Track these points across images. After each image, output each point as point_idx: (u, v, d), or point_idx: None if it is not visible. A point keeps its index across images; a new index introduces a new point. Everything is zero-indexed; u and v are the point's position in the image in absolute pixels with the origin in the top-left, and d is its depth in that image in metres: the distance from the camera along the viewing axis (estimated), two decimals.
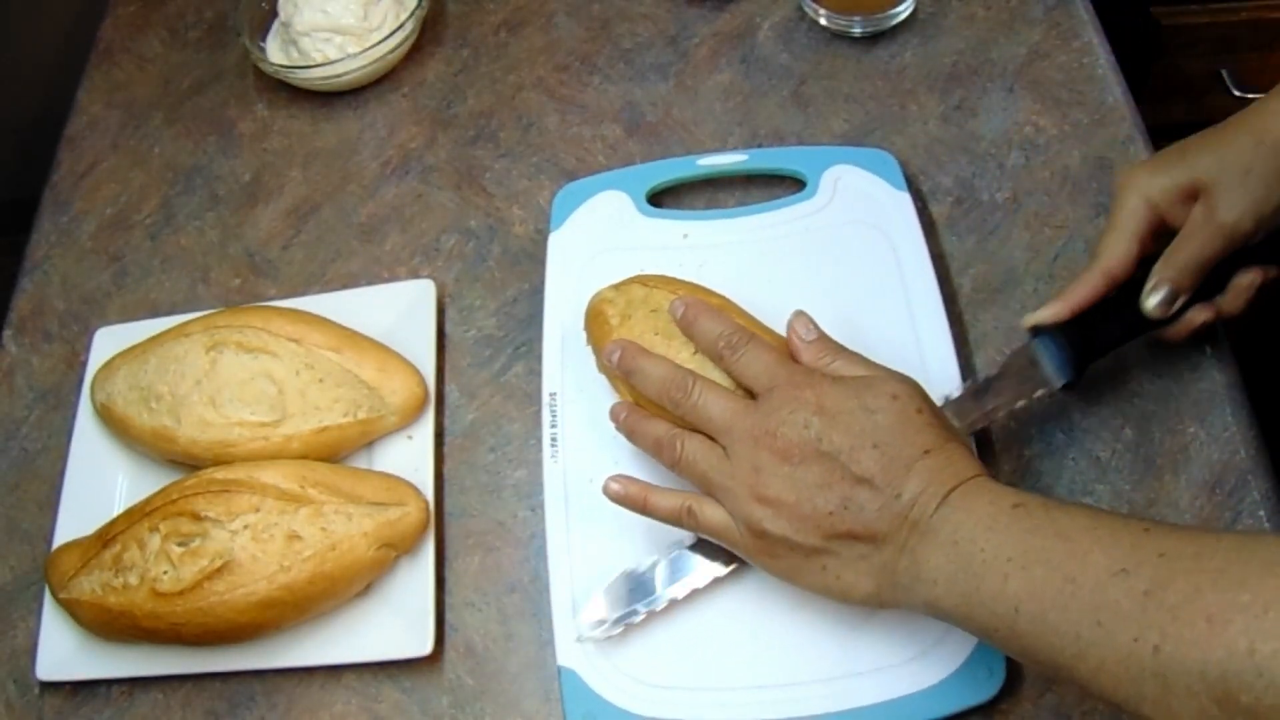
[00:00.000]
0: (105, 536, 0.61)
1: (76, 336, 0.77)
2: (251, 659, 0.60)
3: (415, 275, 0.74)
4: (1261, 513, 0.57)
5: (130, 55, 0.92)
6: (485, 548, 0.63)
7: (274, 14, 0.85)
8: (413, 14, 0.82)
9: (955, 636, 0.54)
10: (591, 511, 0.61)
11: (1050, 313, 0.57)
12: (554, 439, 0.63)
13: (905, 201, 0.67)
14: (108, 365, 0.69)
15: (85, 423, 0.70)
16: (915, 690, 0.53)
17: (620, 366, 0.57)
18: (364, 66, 0.81)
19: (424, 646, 0.59)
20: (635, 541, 0.60)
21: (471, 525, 0.64)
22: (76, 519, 0.66)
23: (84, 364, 0.73)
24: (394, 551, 0.61)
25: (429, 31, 0.86)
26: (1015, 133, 0.72)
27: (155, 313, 0.76)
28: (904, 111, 0.74)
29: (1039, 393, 0.58)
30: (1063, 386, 0.57)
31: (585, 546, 0.60)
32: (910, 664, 0.54)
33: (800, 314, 0.56)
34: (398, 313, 0.70)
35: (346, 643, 0.60)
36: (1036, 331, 0.58)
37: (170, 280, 0.78)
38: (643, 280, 0.62)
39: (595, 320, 0.62)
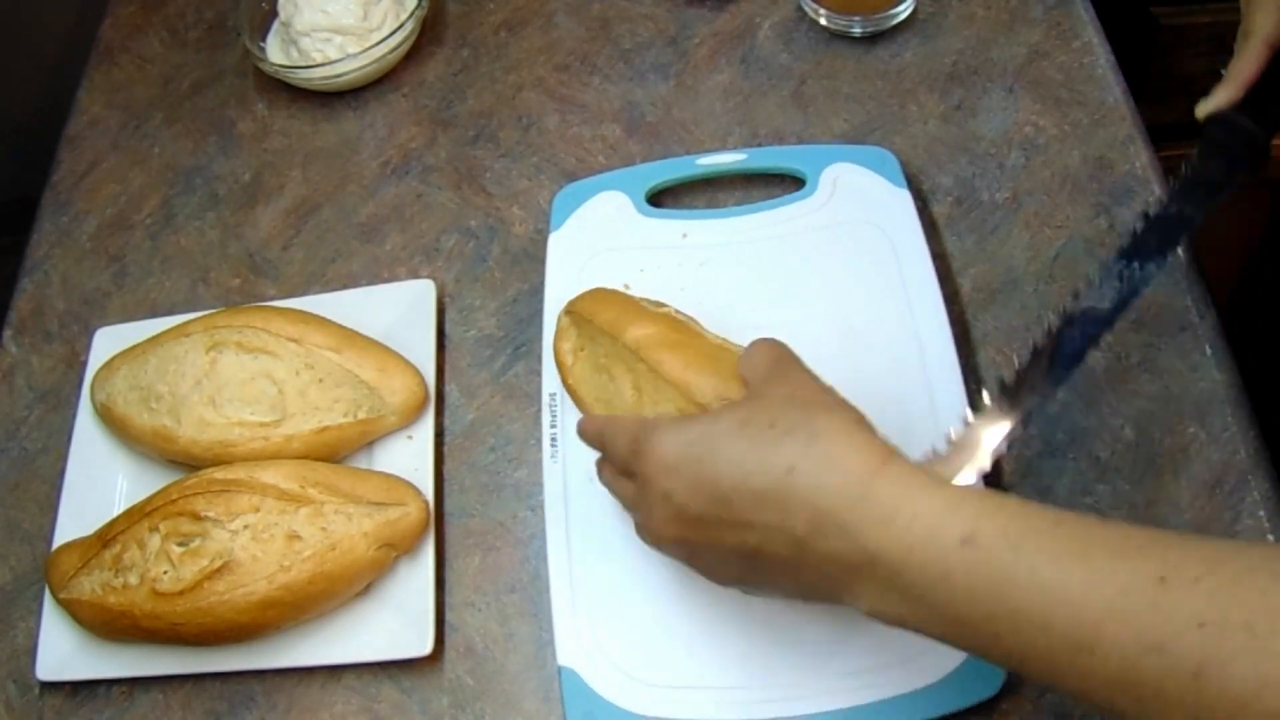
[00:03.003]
0: (105, 536, 0.61)
1: (76, 336, 0.77)
2: (251, 659, 0.60)
3: (415, 275, 0.74)
4: (1261, 513, 0.57)
5: (130, 55, 0.92)
6: (485, 548, 0.63)
7: (274, 14, 0.85)
8: (413, 14, 0.82)
9: None
10: (591, 511, 0.61)
11: (1225, 95, 0.53)
12: (554, 439, 0.63)
13: (905, 199, 0.67)
14: (108, 365, 0.69)
15: (85, 423, 0.70)
16: (915, 689, 0.53)
17: (584, 438, 0.56)
18: (364, 66, 0.81)
19: (424, 646, 0.58)
20: (636, 541, 0.60)
21: (471, 525, 0.64)
22: (76, 519, 0.66)
23: (84, 364, 0.73)
24: (394, 551, 0.61)
25: (429, 31, 0.86)
26: (1015, 133, 0.72)
27: (155, 313, 0.76)
28: (904, 111, 0.74)
29: (1240, 176, 0.54)
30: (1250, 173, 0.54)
31: (585, 546, 0.60)
32: (910, 663, 0.54)
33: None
34: (398, 313, 0.70)
35: (346, 643, 0.60)
36: (1210, 122, 0.54)
37: (170, 280, 0.78)
38: (587, 314, 0.60)
39: (557, 353, 0.62)
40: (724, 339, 0.57)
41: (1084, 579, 0.37)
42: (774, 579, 0.46)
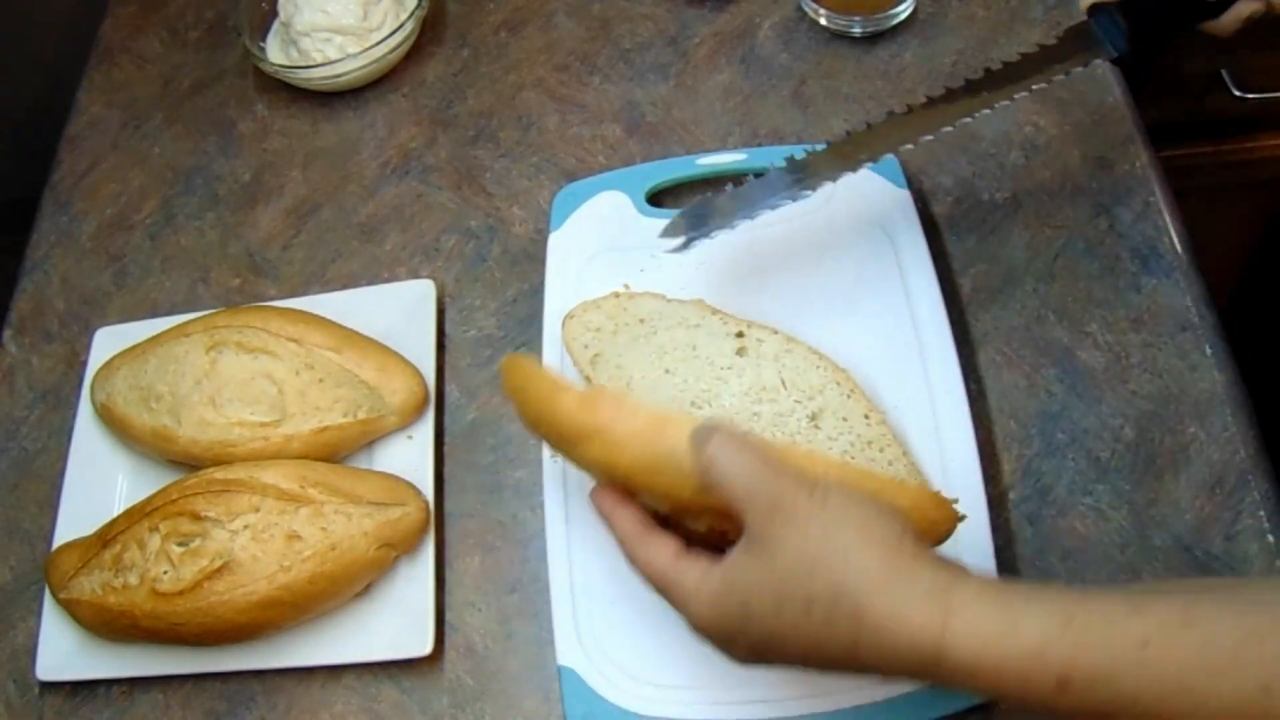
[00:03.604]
0: (105, 536, 0.61)
1: (76, 336, 0.77)
2: (251, 659, 0.60)
3: (415, 275, 0.74)
4: (1261, 513, 0.57)
5: (130, 55, 0.92)
6: (485, 548, 0.63)
7: (274, 14, 0.85)
8: (413, 14, 0.82)
9: None
10: (591, 511, 0.60)
11: None
12: None
13: (905, 199, 0.67)
14: (108, 365, 0.69)
15: (85, 423, 0.70)
16: (915, 689, 0.53)
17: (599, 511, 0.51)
18: (364, 66, 0.81)
19: (424, 646, 0.58)
20: None
21: (471, 525, 0.64)
22: (76, 519, 0.66)
23: (84, 364, 0.73)
24: (394, 551, 0.61)
25: (429, 31, 0.86)
26: (1015, 133, 0.72)
27: (155, 313, 0.76)
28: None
29: (1093, 61, 0.58)
30: (1115, 59, 0.58)
31: (585, 546, 0.60)
32: None
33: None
34: (398, 313, 0.70)
35: (346, 643, 0.60)
36: (1094, 10, 0.58)
37: (170, 280, 0.78)
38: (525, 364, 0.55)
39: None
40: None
41: (1189, 703, 0.37)
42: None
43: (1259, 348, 0.91)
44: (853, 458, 0.57)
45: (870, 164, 0.60)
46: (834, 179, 0.60)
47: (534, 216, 0.75)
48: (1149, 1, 0.58)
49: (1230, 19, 0.57)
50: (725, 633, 0.45)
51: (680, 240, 0.61)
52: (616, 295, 0.65)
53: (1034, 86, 0.59)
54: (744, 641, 0.44)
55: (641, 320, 0.62)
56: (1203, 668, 0.37)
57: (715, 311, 0.62)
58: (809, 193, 0.60)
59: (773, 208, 0.60)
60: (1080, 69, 0.59)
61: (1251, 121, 1.08)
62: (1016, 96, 0.59)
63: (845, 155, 0.60)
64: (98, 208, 0.83)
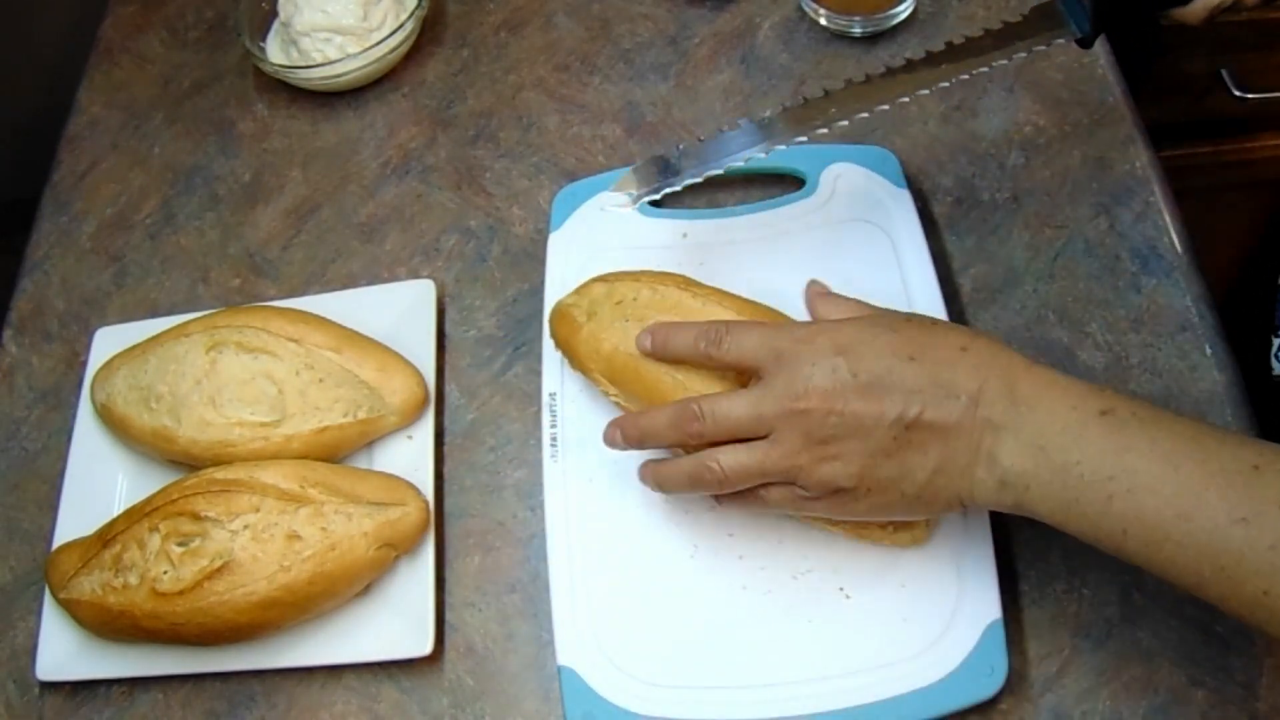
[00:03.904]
0: (105, 536, 0.61)
1: (76, 336, 0.77)
2: (251, 659, 0.60)
3: (415, 275, 0.74)
4: None
5: (130, 55, 0.92)
6: (485, 548, 0.63)
7: (274, 14, 0.85)
8: (413, 14, 0.82)
9: (956, 635, 0.54)
10: (591, 511, 0.61)
11: None
12: (554, 439, 0.63)
13: (905, 199, 0.67)
14: (108, 365, 0.69)
15: (85, 423, 0.70)
16: (915, 689, 0.53)
17: (654, 346, 0.56)
18: (364, 66, 0.81)
19: (424, 646, 0.59)
20: (636, 540, 0.60)
21: (471, 525, 0.64)
22: (76, 519, 0.66)
23: (84, 364, 0.73)
24: (394, 551, 0.61)
25: (429, 31, 0.86)
26: (1015, 133, 0.72)
27: (155, 313, 0.76)
28: (904, 111, 0.74)
29: (1057, 40, 0.58)
30: (1079, 40, 0.58)
31: (585, 546, 0.60)
32: (911, 662, 0.54)
33: (814, 280, 0.59)
34: (398, 313, 0.70)
35: (346, 643, 0.60)
36: None
37: (170, 280, 0.78)
38: (602, 278, 0.62)
39: (561, 322, 0.62)
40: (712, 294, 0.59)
41: (1193, 453, 0.44)
42: (907, 459, 0.49)
43: (1259, 348, 0.91)
44: None
45: (824, 129, 0.60)
46: (788, 143, 0.60)
47: (534, 216, 0.75)
48: None
49: (1199, 7, 0.57)
50: (868, 340, 0.50)
51: (630, 196, 0.61)
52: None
53: (995, 63, 0.59)
54: (885, 342, 0.50)
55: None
56: (1216, 436, 0.45)
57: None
58: (761, 155, 0.60)
59: (722, 168, 0.61)
60: (1043, 47, 0.59)
61: (1251, 121, 1.08)
62: (976, 71, 0.59)
63: (801, 120, 0.60)
64: (98, 208, 0.83)
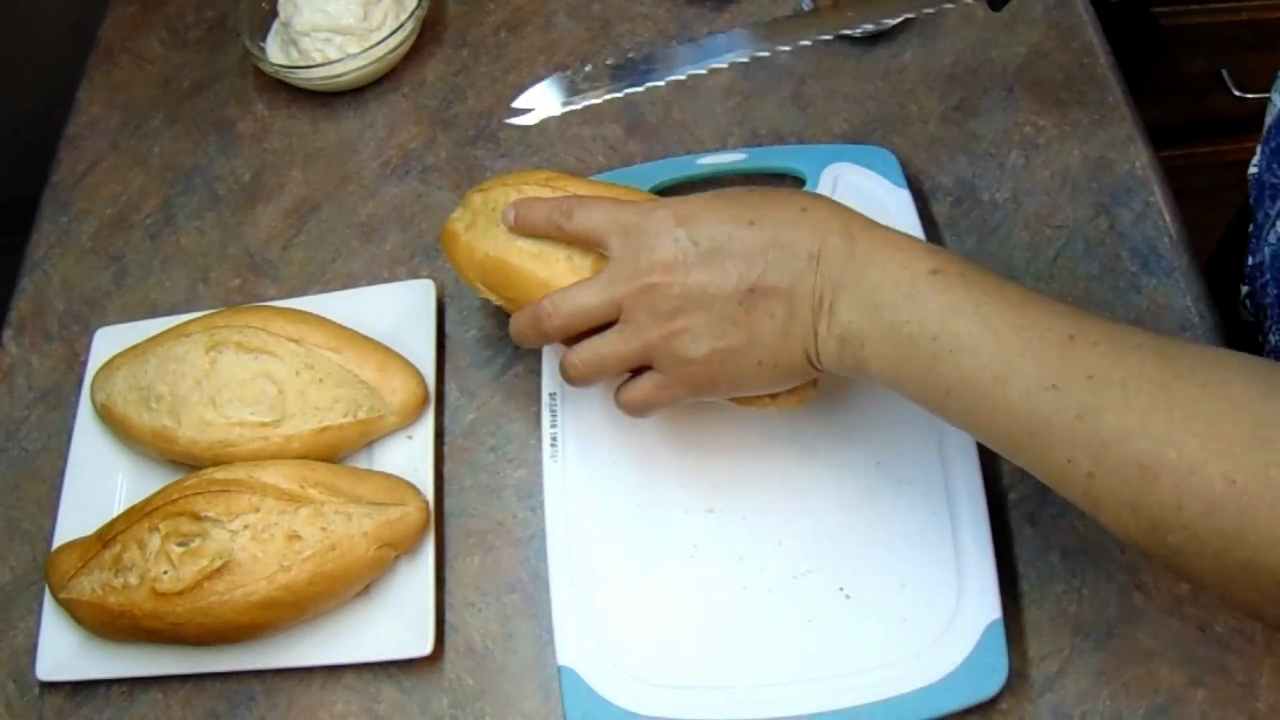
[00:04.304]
0: (105, 536, 0.61)
1: (76, 336, 0.77)
2: (251, 659, 0.60)
3: (415, 275, 0.74)
4: None
5: (130, 55, 0.92)
6: (485, 548, 0.63)
7: (274, 14, 0.85)
8: (413, 14, 0.82)
9: (956, 635, 0.54)
10: (591, 511, 0.61)
11: None
12: (554, 439, 0.63)
13: (905, 199, 0.67)
14: (108, 365, 0.69)
15: (85, 423, 0.70)
16: (916, 688, 0.53)
17: (515, 221, 0.57)
18: (364, 66, 0.81)
19: (424, 646, 0.59)
20: (637, 540, 0.60)
21: (471, 525, 0.64)
22: (76, 519, 0.66)
23: (84, 364, 0.73)
24: (394, 551, 0.61)
25: (429, 31, 0.86)
26: (1015, 133, 0.72)
27: (155, 313, 0.76)
28: (904, 111, 0.74)
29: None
30: (990, 3, 0.61)
31: (585, 546, 0.60)
32: (911, 662, 0.54)
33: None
34: (398, 313, 0.70)
35: (346, 643, 0.60)
36: None
37: (170, 280, 0.78)
38: (478, 188, 0.63)
39: (446, 238, 0.63)
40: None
41: (1013, 320, 0.44)
42: (754, 323, 0.49)
43: (1259, 348, 0.91)
44: None
45: (766, 53, 0.62)
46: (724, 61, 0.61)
47: None
48: None
49: None
50: (711, 208, 0.51)
51: (536, 109, 0.62)
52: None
53: (901, 14, 0.64)
54: (725, 209, 0.51)
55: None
56: (1040, 305, 0.45)
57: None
58: (701, 71, 0.61)
59: (639, 85, 0.62)
60: (950, 5, 0.61)
61: (1251, 121, 1.08)
62: (881, 23, 0.64)
63: (750, 39, 0.62)
64: (98, 208, 0.83)
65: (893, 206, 0.67)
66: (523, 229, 0.57)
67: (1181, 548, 0.40)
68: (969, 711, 0.54)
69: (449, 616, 0.62)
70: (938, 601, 0.55)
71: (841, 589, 0.57)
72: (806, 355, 0.50)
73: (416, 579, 0.61)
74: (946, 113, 0.74)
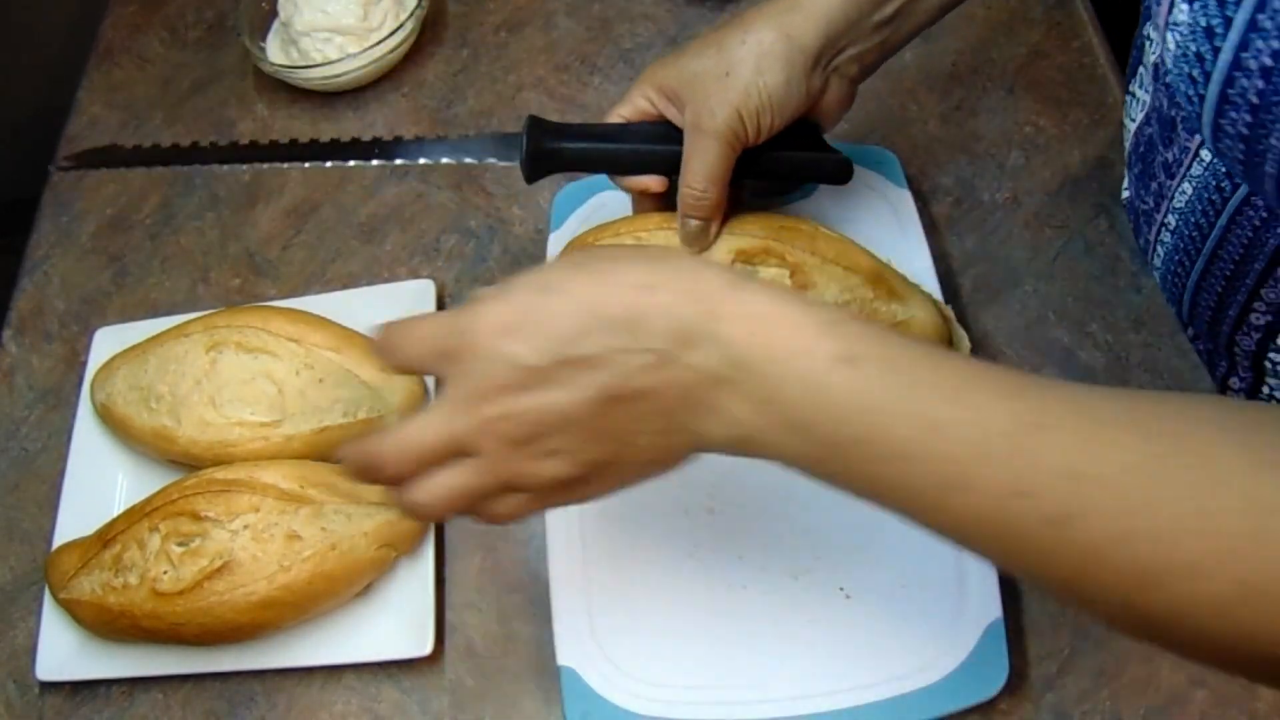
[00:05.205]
0: (105, 536, 0.61)
1: (76, 336, 0.77)
2: (251, 659, 0.60)
3: (415, 275, 0.74)
4: None
5: (130, 55, 0.92)
6: (485, 548, 0.63)
7: (274, 14, 0.85)
8: (413, 14, 0.82)
9: (956, 635, 0.54)
10: (592, 511, 0.61)
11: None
12: None
13: (905, 199, 0.67)
14: (108, 365, 0.69)
15: (85, 423, 0.70)
16: (916, 689, 0.53)
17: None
18: (364, 66, 0.81)
19: (424, 647, 0.58)
20: (637, 539, 0.60)
21: (471, 525, 0.64)
22: (76, 519, 0.66)
23: (84, 364, 0.73)
24: (394, 551, 0.61)
25: (429, 31, 0.86)
26: (1015, 133, 0.72)
27: (155, 313, 0.76)
28: (904, 111, 0.74)
29: (506, 162, 0.62)
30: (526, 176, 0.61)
31: (586, 547, 0.60)
32: (911, 662, 0.54)
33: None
34: (397, 313, 0.69)
35: (346, 643, 0.60)
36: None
37: (170, 280, 0.78)
38: (580, 240, 0.64)
39: None
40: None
41: (962, 416, 0.37)
42: (624, 432, 0.41)
43: None
44: None
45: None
46: None
47: (534, 216, 0.75)
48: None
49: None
50: (534, 313, 0.42)
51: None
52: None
53: (442, 159, 0.65)
54: (551, 315, 0.41)
55: None
56: (988, 388, 0.37)
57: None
58: None
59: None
60: (492, 161, 0.64)
61: None
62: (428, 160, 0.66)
63: None
64: (98, 208, 0.83)
65: (893, 206, 0.67)
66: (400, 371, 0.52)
67: (1184, 644, 0.36)
68: (969, 711, 0.54)
69: (449, 617, 0.62)
70: (938, 601, 0.55)
71: (841, 589, 0.57)
72: (691, 448, 0.42)
73: (416, 579, 0.61)
74: (946, 113, 0.74)
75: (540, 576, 0.61)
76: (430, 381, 0.67)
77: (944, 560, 0.56)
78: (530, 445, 0.42)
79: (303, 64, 0.82)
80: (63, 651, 0.62)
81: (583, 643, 0.57)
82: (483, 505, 0.45)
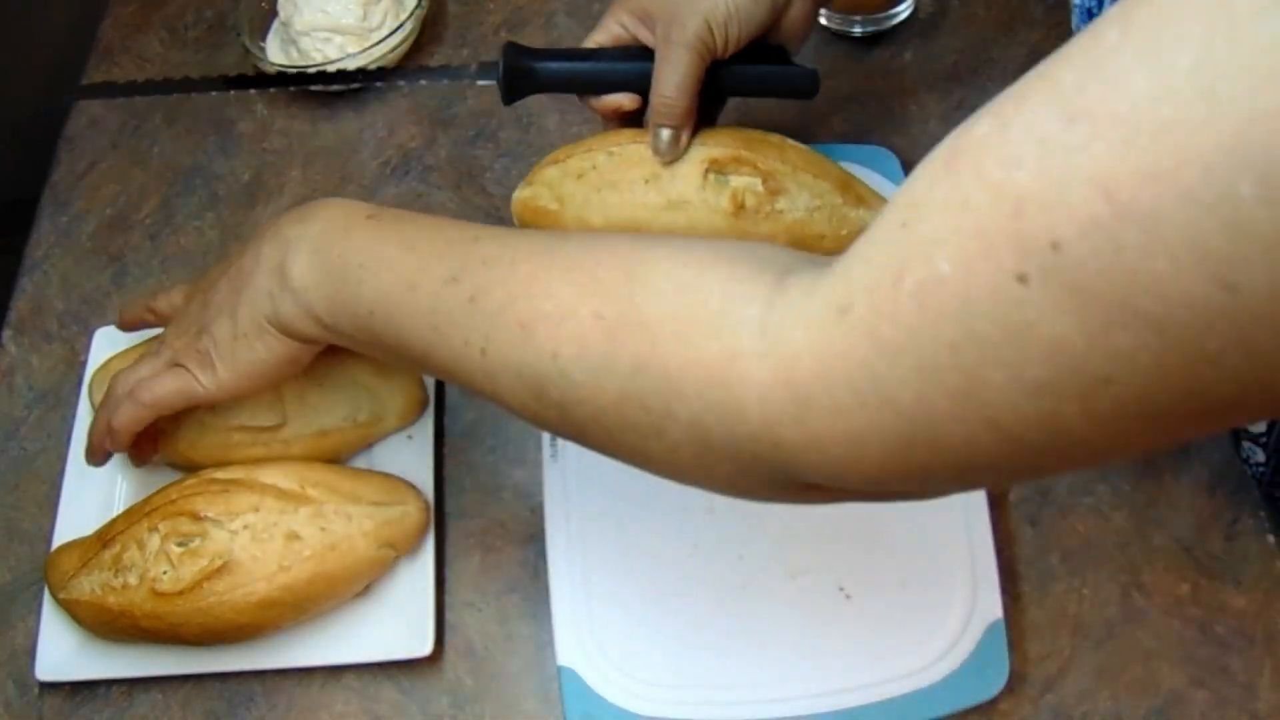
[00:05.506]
0: (105, 536, 0.61)
1: (76, 336, 0.77)
2: (251, 659, 0.60)
3: None
4: (1262, 513, 0.57)
5: (130, 55, 0.92)
6: (485, 548, 0.63)
7: (274, 14, 0.85)
8: (413, 14, 0.82)
9: (956, 635, 0.54)
10: (591, 511, 0.61)
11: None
12: (554, 439, 0.63)
13: None
14: (107, 365, 0.69)
15: (85, 423, 0.70)
16: (916, 689, 0.53)
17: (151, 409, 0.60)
18: (364, 66, 0.81)
19: (424, 647, 0.58)
20: (636, 539, 0.60)
21: (471, 525, 0.64)
22: (76, 519, 0.66)
23: (84, 364, 0.73)
24: (394, 551, 0.61)
25: (429, 31, 0.86)
26: None
27: None
28: (904, 111, 0.74)
29: (481, 81, 0.65)
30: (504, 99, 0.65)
31: (586, 546, 0.60)
32: (910, 662, 0.54)
33: None
34: None
35: (346, 643, 0.60)
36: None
37: (170, 280, 0.78)
38: (550, 160, 0.65)
39: (534, 217, 0.63)
40: None
41: (431, 235, 0.48)
42: (213, 303, 0.56)
43: None
44: None
45: None
46: None
47: None
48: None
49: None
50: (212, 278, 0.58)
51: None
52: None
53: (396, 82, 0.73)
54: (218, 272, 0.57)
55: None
56: (452, 226, 0.49)
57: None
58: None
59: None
60: (461, 81, 0.66)
61: None
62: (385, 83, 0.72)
63: None
64: (98, 208, 0.83)
65: None
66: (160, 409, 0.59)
67: (564, 400, 0.41)
68: (969, 712, 0.54)
69: (449, 617, 0.62)
70: (937, 602, 0.55)
71: (841, 589, 0.57)
72: (270, 319, 0.52)
73: (416, 579, 0.61)
74: (946, 113, 0.74)
75: (540, 576, 0.61)
76: (431, 383, 0.67)
77: (944, 560, 0.56)
78: (192, 331, 0.57)
79: (303, 64, 0.81)
80: (62, 652, 0.62)
81: (583, 643, 0.57)
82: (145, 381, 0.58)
